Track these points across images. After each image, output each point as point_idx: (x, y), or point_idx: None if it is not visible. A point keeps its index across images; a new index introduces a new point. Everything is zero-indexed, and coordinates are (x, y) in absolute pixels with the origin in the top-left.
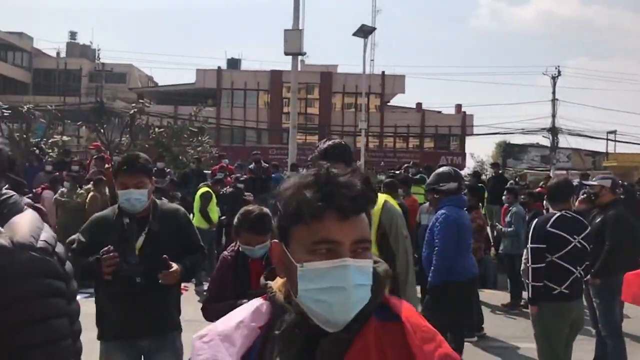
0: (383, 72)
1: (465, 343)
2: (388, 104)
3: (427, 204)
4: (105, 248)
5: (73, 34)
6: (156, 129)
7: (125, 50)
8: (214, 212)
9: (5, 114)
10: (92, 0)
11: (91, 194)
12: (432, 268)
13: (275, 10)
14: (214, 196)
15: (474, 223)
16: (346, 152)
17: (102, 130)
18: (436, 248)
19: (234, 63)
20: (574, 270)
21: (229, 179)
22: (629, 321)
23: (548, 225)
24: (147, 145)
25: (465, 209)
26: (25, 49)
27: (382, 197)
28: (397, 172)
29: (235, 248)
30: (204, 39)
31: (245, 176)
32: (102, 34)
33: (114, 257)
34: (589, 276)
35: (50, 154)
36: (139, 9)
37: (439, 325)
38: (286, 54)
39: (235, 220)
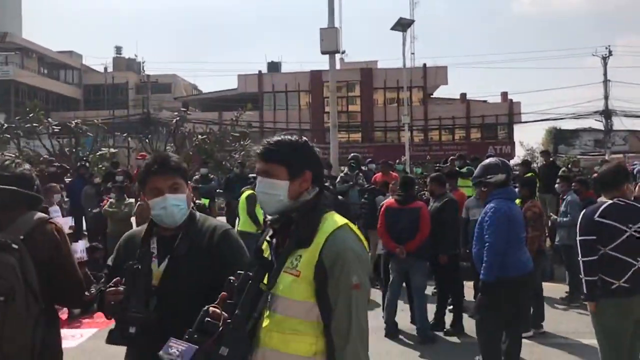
0: (424, 64)
1: (522, 340)
2: (431, 96)
3: (472, 197)
4: (116, 279)
5: (119, 49)
6: (199, 136)
7: (169, 61)
8: (260, 214)
9: (55, 130)
10: (135, 15)
11: (139, 203)
12: (484, 265)
13: (312, 10)
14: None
15: (529, 212)
16: (284, 151)
17: (147, 140)
18: (487, 244)
19: (274, 66)
20: (634, 262)
21: None
22: None
23: (596, 215)
24: (190, 153)
25: (518, 201)
26: (75, 66)
27: (335, 222)
28: (443, 165)
29: None
30: (244, 45)
31: None
32: (146, 46)
33: (117, 294)
34: None
35: (100, 166)
36: (180, 21)
37: (494, 325)
38: (323, 53)
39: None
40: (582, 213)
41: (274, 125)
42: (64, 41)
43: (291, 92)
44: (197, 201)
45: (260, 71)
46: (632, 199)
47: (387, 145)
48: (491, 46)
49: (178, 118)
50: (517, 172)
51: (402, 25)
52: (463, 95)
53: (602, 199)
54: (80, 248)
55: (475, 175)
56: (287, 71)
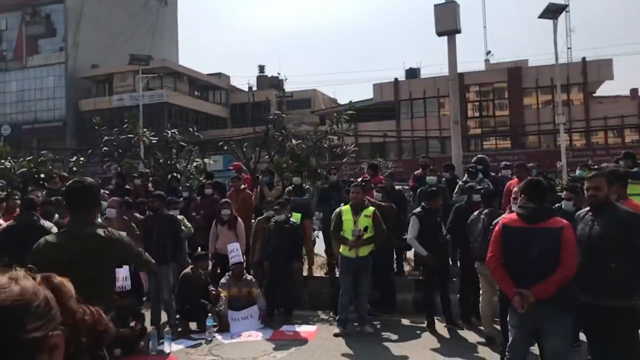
0: (583, 58)
1: None
2: (594, 94)
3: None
4: None
5: (262, 68)
6: (292, 141)
7: (311, 77)
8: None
9: (152, 141)
10: (276, 36)
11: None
12: None
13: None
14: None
15: None
16: None
17: (243, 149)
18: None
19: (412, 73)
20: None
21: (373, 191)
22: None
23: None
24: (290, 161)
25: None
26: (223, 87)
27: None
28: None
29: None
30: (383, 53)
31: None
32: (290, 65)
33: None
34: None
35: (201, 178)
36: (322, 36)
37: None
38: (439, 34)
39: None
40: None
41: (411, 133)
42: (215, 64)
43: (429, 98)
44: (291, 219)
45: (396, 79)
46: None
47: (540, 151)
48: None
49: (273, 120)
50: None
51: (552, 12)
52: (634, 90)
53: None
54: (123, 275)
55: None
56: (427, 76)
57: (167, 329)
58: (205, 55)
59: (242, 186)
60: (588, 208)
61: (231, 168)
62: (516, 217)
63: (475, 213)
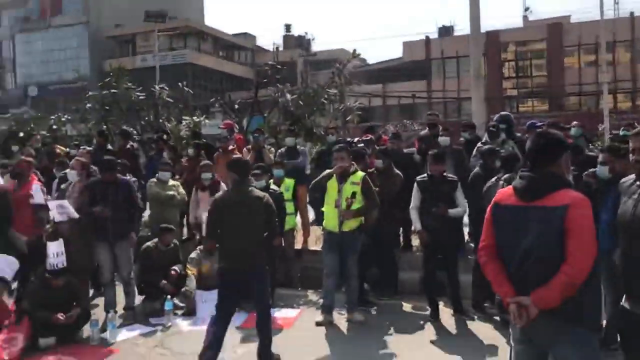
0: (632, 12)
1: None
2: None
3: None
4: None
5: (288, 27)
6: (287, 96)
7: (338, 33)
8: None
9: (140, 97)
10: None
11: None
12: None
13: None
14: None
15: None
16: None
17: (235, 107)
18: None
19: (446, 31)
20: None
21: (373, 157)
22: None
23: None
24: (276, 120)
25: None
26: (248, 47)
27: None
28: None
29: None
30: (416, 12)
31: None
32: (316, 23)
33: None
34: None
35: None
36: None
37: None
38: None
39: None
40: None
41: (443, 95)
42: (241, 24)
43: (462, 57)
44: (272, 187)
45: (427, 36)
46: None
47: (581, 113)
48: None
49: (263, 77)
50: None
51: None
52: None
53: None
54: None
55: None
56: (459, 34)
57: (110, 314)
58: (232, 15)
59: (231, 147)
60: (634, 176)
61: (222, 127)
62: (512, 192)
63: (494, 179)
